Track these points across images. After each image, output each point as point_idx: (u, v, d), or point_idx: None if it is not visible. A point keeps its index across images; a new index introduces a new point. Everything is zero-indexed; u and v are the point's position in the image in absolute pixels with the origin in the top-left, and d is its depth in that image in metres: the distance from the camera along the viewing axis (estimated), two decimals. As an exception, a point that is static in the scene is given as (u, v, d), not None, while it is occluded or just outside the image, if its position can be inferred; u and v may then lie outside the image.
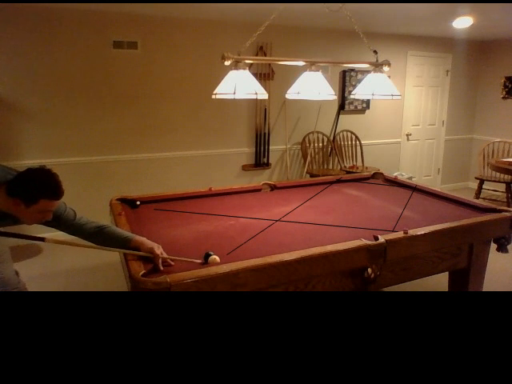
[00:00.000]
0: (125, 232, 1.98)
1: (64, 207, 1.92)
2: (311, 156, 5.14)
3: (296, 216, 2.47)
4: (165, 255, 1.82)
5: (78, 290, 3.16)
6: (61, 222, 1.91)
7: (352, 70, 5.25)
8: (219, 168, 4.84)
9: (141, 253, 1.81)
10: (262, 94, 2.28)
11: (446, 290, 2.65)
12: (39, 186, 1.68)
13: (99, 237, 1.97)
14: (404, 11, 3.85)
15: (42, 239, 1.78)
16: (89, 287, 3.23)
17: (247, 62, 2.33)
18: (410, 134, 5.94)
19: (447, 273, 2.53)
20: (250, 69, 2.34)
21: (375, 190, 3.08)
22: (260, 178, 4.90)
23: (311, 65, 2.53)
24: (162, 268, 1.76)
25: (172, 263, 1.82)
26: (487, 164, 5.15)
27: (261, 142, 4.94)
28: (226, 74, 2.31)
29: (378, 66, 2.57)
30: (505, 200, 5.07)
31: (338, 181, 3.32)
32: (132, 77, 4.26)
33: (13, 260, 2.20)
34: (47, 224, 1.87)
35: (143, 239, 1.87)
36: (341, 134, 5.37)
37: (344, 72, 5.25)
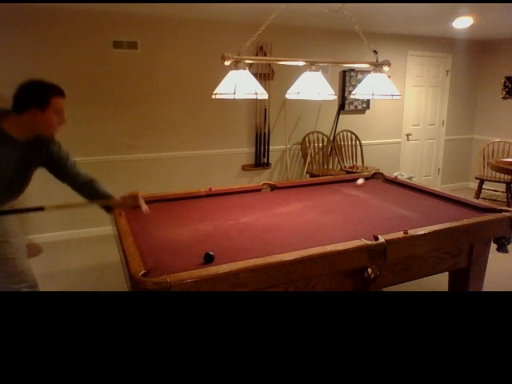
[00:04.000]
0: (109, 191, 2.23)
1: (67, 156, 2.13)
2: (311, 156, 5.14)
3: (296, 216, 2.47)
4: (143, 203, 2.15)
5: (78, 290, 3.16)
6: (64, 168, 2.12)
7: (352, 70, 5.25)
8: (219, 168, 4.84)
9: (124, 200, 2.14)
10: (262, 94, 2.28)
11: (446, 290, 2.65)
12: (42, 87, 1.88)
13: (87, 188, 2.19)
14: (404, 11, 3.85)
15: (42, 208, 1.98)
16: (89, 287, 3.23)
17: (247, 61, 2.33)
18: (410, 134, 5.94)
19: (447, 273, 2.53)
20: (249, 69, 2.34)
21: (375, 190, 3.08)
22: (260, 178, 4.90)
23: (311, 65, 2.53)
24: (145, 207, 2.14)
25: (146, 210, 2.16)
26: (487, 164, 5.15)
27: (261, 142, 4.94)
28: (225, 74, 2.31)
29: (378, 66, 2.57)
30: (505, 200, 5.07)
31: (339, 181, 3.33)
32: (132, 77, 4.26)
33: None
34: (54, 171, 2.10)
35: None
36: (341, 134, 5.37)
37: (344, 72, 5.26)
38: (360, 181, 2.94)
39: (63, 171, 2.13)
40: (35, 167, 2.08)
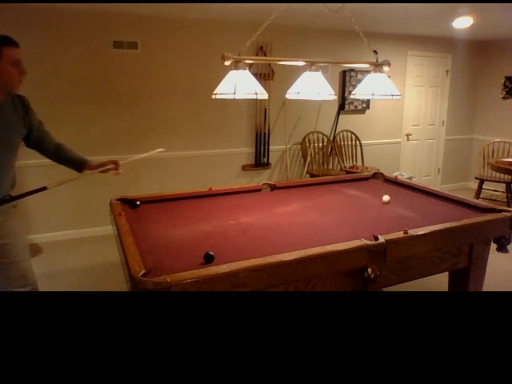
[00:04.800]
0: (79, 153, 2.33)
1: (43, 123, 2.20)
2: (311, 156, 5.14)
3: (296, 216, 2.47)
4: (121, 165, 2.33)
5: (78, 290, 3.16)
6: (43, 134, 2.18)
7: (352, 70, 5.25)
8: (219, 168, 4.84)
9: (106, 166, 2.27)
10: (262, 94, 2.27)
11: (446, 290, 2.65)
12: None
13: (60, 152, 2.25)
14: (404, 11, 3.85)
15: (44, 188, 2.06)
16: (89, 287, 3.23)
17: (247, 61, 2.33)
18: (410, 134, 5.94)
19: (447, 273, 2.53)
20: (250, 69, 2.34)
21: (375, 190, 3.08)
22: (260, 178, 4.90)
23: (311, 65, 2.53)
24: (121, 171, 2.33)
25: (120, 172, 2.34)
26: (487, 164, 5.15)
27: (261, 141, 4.94)
28: (226, 74, 2.31)
29: (377, 66, 2.57)
30: (505, 200, 5.07)
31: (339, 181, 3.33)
32: (132, 77, 4.26)
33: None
34: (36, 139, 2.16)
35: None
36: (341, 134, 5.37)
37: (344, 72, 5.26)
38: (386, 198, 2.74)
39: (43, 138, 2.18)
40: (22, 133, 2.09)
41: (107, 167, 2.31)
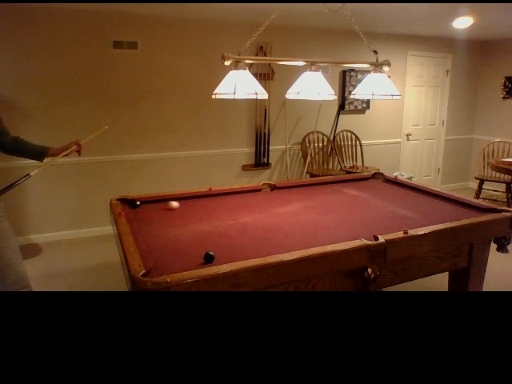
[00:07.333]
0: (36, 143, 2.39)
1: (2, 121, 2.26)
2: (311, 156, 5.14)
3: (296, 216, 2.47)
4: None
5: (78, 290, 3.16)
6: (3, 129, 2.23)
7: (352, 70, 5.25)
8: (219, 168, 4.84)
9: (69, 148, 2.35)
10: (262, 94, 2.27)
11: (446, 290, 2.65)
12: None
13: (19, 144, 2.28)
14: (404, 11, 3.85)
15: (28, 175, 2.12)
16: (89, 287, 3.23)
17: (247, 61, 2.33)
18: (410, 134, 5.94)
19: (447, 273, 2.53)
20: (249, 69, 2.34)
21: (375, 190, 3.08)
22: (260, 178, 4.90)
23: (311, 65, 2.53)
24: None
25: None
26: (487, 164, 5.15)
27: (261, 141, 4.94)
28: (226, 74, 2.31)
29: (377, 66, 2.57)
30: (505, 200, 5.07)
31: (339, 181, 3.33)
32: (132, 77, 4.26)
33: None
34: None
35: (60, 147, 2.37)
36: (341, 134, 5.37)
37: (344, 72, 5.26)
38: (173, 204, 2.57)
39: (4, 132, 2.23)
40: None
41: (70, 149, 2.38)
